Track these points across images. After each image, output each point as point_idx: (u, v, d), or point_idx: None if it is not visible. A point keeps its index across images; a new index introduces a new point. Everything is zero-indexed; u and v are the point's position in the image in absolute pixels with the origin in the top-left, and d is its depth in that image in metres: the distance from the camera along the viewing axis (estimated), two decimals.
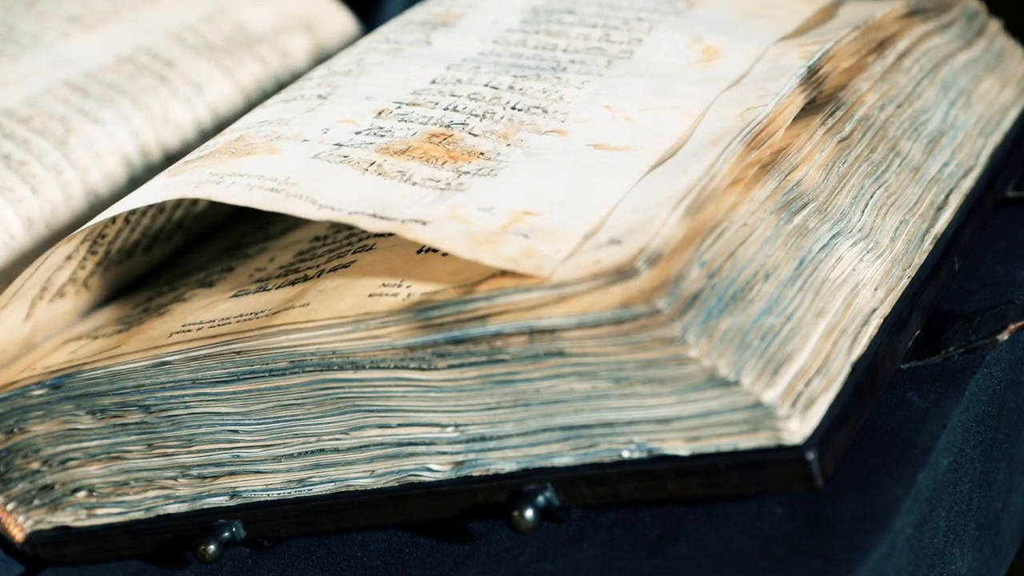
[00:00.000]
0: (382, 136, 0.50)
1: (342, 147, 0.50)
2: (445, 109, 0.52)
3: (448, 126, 0.51)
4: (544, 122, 0.50)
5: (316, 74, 0.57)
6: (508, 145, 0.49)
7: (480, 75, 0.54)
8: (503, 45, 0.57)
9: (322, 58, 0.71)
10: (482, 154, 0.49)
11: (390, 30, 0.60)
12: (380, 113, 0.52)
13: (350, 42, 0.73)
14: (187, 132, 0.64)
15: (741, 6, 0.58)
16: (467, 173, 0.48)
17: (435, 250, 0.48)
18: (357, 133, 0.51)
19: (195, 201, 0.61)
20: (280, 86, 0.69)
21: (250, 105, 0.68)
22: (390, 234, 0.51)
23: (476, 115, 0.51)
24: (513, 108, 0.52)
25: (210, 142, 0.53)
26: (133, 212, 0.57)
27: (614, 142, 0.49)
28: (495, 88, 0.53)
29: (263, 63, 0.68)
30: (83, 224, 0.60)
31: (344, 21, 0.73)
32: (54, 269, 0.54)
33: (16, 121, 0.61)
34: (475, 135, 0.50)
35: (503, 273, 0.44)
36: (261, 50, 0.68)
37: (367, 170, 0.48)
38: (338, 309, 0.47)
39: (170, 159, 0.65)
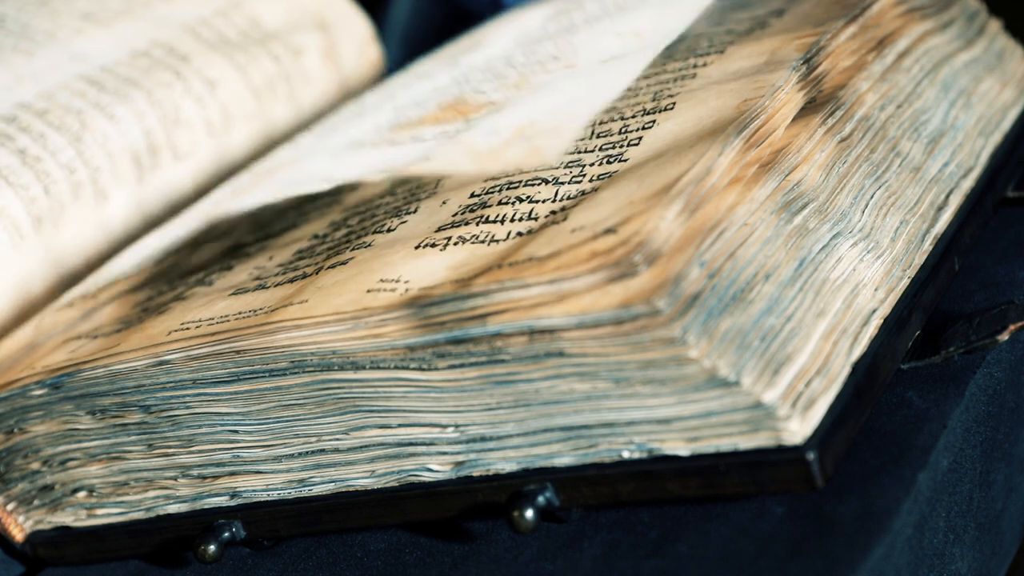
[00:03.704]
0: (397, 121, 0.50)
1: (359, 139, 0.50)
2: (459, 84, 0.52)
3: (460, 95, 0.51)
4: (555, 65, 0.50)
5: (349, 112, 0.58)
6: (519, 90, 0.49)
7: (495, 60, 0.54)
8: (523, 42, 0.57)
9: (333, 59, 0.71)
10: (492, 103, 0.49)
11: (421, 68, 0.61)
12: (398, 109, 0.52)
13: (363, 44, 0.73)
14: (197, 133, 0.64)
15: None
16: (476, 118, 0.48)
17: (433, 245, 0.48)
18: (376, 129, 0.51)
19: None
20: (290, 86, 0.69)
21: (260, 104, 0.67)
22: (389, 230, 0.51)
23: (489, 81, 0.51)
24: (525, 66, 0.52)
25: (240, 178, 0.54)
26: None
27: (622, 54, 0.49)
28: (509, 60, 0.53)
29: (276, 61, 0.68)
30: (86, 225, 0.60)
31: (358, 22, 0.73)
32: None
33: (33, 114, 0.60)
34: (486, 93, 0.50)
35: (499, 267, 0.44)
36: (274, 47, 0.68)
37: (379, 145, 0.48)
38: (336, 305, 0.47)
39: (177, 159, 0.64)
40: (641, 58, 0.47)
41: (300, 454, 0.49)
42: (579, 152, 0.46)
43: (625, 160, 0.47)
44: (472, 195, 0.49)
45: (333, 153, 0.50)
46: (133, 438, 0.51)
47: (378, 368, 0.46)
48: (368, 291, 0.47)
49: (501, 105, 0.48)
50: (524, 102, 0.47)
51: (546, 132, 0.44)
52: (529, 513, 0.45)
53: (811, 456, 0.42)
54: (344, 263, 0.50)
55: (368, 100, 0.59)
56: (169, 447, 0.51)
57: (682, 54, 0.51)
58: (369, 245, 0.51)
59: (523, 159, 0.42)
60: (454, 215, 0.49)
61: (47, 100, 0.61)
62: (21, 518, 0.54)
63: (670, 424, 0.43)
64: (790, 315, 0.44)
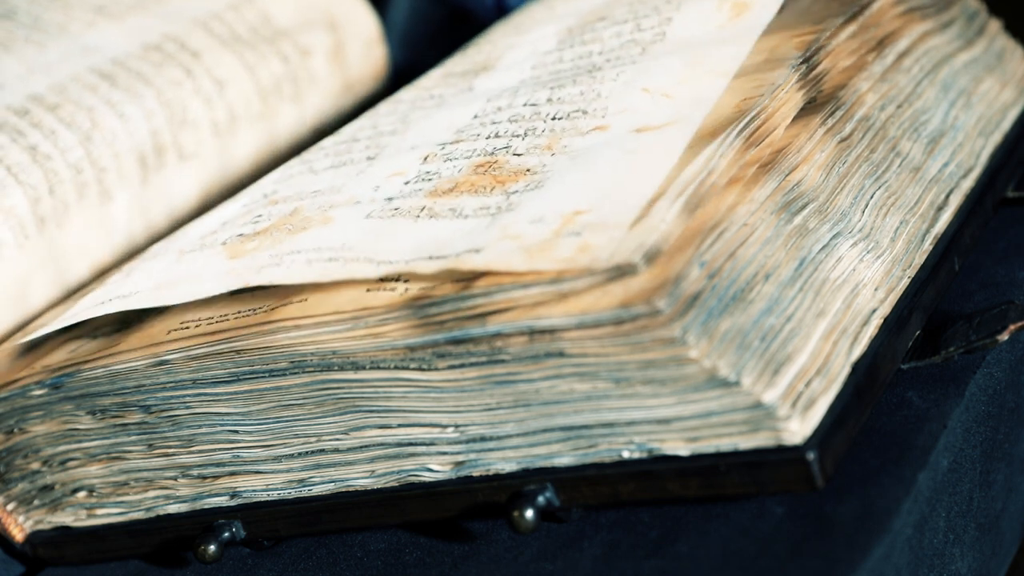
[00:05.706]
0: (430, 180, 0.50)
1: (393, 200, 0.50)
2: (487, 138, 0.52)
3: (492, 153, 0.51)
4: (585, 123, 0.50)
5: (363, 135, 0.57)
6: (552, 155, 0.49)
7: (519, 97, 0.54)
8: (541, 68, 0.57)
9: (340, 59, 0.71)
10: (528, 170, 0.49)
11: (433, 84, 0.61)
12: (426, 158, 0.52)
13: (369, 43, 0.72)
14: (203, 133, 0.64)
15: None
16: (516, 192, 0.48)
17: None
18: (406, 183, 0.51)
19: None
20: (296, 87, 0.68)
21: (266, 106, 0.67)
22: None
23: (518, 135, 0.51)
24: (553, 119, 0.52)
25: (263, 211, 0.53)
26: None
27: (655, 121, 0.49)
28: (534, 105, 0.53)
29: (285, 61, 0.67)
30: (89, 225, 0.60)
31: (367, 21, 0.73)
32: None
33: (45, 109, 0.60)
34: (519, 155, 0.50)
35: None
36: (283, 46, 0.68)
37: (419, 216, 0.48)
38: (335, 304, 0.47)
39: (182, 160, 0.64)
40: (676, 133, 0.47)
41: (300, 454, 0.49)
42: None
43: None
44: None
45: (368, 216, 0.49)
46: (133, 438, 0.51)
47: (378, 368, 0.46)
48: (368, 290, 0.47)
49: (539, 177, 0.48)
50: (562, 176, 0.47)
51: (593, 227, 0.44)
52: (529, 513, 0.45)
53: (811, 456, 0.42)
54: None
55: (382, 119, 0.58)
56: (169, 447, 0.51)
57: None
58: None
59: (574, 258, 0.43)
60: None
61: (59, 94, 0.61)
62: (21, 518, 0.54)
63: (670, 424, 0.43)
64: (790, 315, 0.44)
